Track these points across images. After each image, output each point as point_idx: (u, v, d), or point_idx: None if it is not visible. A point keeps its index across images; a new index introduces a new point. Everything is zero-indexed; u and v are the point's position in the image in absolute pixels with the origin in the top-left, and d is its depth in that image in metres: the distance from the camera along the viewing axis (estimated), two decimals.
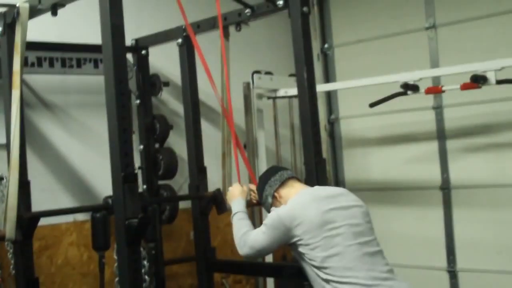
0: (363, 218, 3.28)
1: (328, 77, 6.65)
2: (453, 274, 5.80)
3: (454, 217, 5.82)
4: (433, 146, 5.93)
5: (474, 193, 5.69)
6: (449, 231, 5.83)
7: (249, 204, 3.91)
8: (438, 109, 5.89)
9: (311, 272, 3.19)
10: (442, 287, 5.83)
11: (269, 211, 3.55)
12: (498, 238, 5.52)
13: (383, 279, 3.09)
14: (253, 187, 3.88)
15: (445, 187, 5.86)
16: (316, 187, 3.56)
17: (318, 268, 3.13)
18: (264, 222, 3.34)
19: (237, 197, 3.70)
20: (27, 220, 3.94)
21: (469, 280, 5.70)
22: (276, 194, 3.48)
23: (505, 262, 5.47)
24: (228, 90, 4.32)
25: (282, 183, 3.50)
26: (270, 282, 5.52)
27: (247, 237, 3.37)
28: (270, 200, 3.50)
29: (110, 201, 3.91)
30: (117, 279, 3.81)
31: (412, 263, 5.87)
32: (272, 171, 3.62)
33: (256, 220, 6.08)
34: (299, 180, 3.58)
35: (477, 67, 4.68)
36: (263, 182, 3.57)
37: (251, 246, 3.34)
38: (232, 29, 4.68)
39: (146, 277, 4.87)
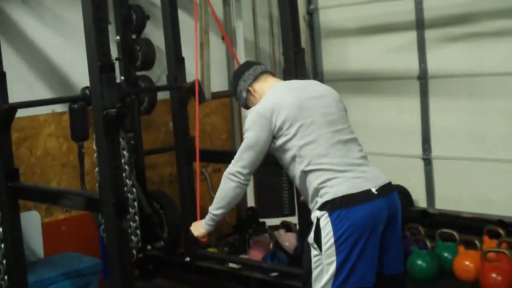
0: (336, 106, 3.31)
1: None
2: (427, 162, 5.93)
3: (430, 106, 5.88)
4: (412, 36, 5.91)
5: (451, 82, 5.72)
6: (425, 120, 5.91)
7: None
8: None
9: (288, 163, 3.24)
10: (417, 174, 5.97)
11: (243, 106, 3.57)
12: (472, 126, 5.61)
13: (357, 165, 3.15)
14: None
15: (422, 77, 5.88)
16: (288, 81, 3.58)
17: (295, 157, 3.17)
18: (244, 134, 3.30)
19: (199, 224, 3.58)
20: (4, 111, 3.94)
21: (443, 167, 5.84)
22: (250, 88, 3.47)
23: (478, 150, 5.58)
24: None
25: (256, 78, 3.49)
26: None
27: (230, 168, 3.29)
28: (244, 94, 3.50)
29: (87, 91, 3.89)
30: (97, 169, 3.85)
31: (388, 151, 5.98)
32: (245, 66, 3.61)
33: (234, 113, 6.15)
34: (272, 74, 3.58)
35: None
36: (237, 77, 3.56)
37: (240, 165, 3.25)
38: None
39: (126, 167, 4.92)
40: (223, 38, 5.67)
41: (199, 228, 3.49)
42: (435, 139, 5.89)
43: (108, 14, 4.33)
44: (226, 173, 3.29)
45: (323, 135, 3.17)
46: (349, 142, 3.22)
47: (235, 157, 3.28)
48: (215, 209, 3.37)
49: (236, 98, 3.69)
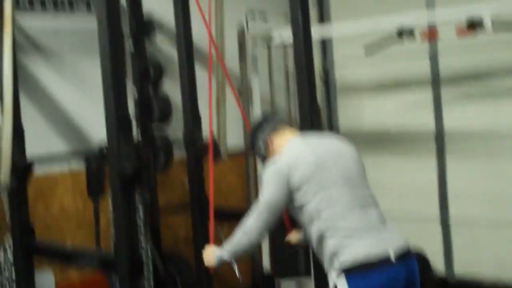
0: (354, 163, 3.26)
1: (323, 21, 6.55)
2: (445, 223, 5.83)
3: (447, 165, 5.81)
4: (428, 93, 5.89)
5: (468, 141, 5.67)
6: (442, 179, 5.83)
7: None
8: (433, 55, 5.83)
9: (305, 222, 3.18)
10: (435, 235, 5.87)
11: (261, 159, 3.53)
12: (491, 188, 5.52)
13: (375, 229, 3.08)
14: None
15: (439, 136, 5.84)
16: (307, 134, 3.54)
17: (312, 217, 3.11)
18: (261, 190, 3.26)
19: (212, 251, 3.54)
20: (22, 167, 3.92)
21: (461, 229, 5.73)
22: (268, 140, 3.45)
23: (498, 212, 5.49)
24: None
25: (274, 130, 3.46)
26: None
27: (246, 224, 3.24)
28: (262, 146, 3.47)
29: (104, 147, 3.87)
30: (112, 227, 3.80)
31: (405, 212, 5.89)
32: (264, 118, 3.59)
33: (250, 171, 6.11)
34: (291, 127, 3.55)
35: (474, 11, 4.61)
36: (255, 129, 3.53)
37: (256, 224, 3.20)
38: None
39: (141, 225, 4.86)
40: (239, 94, 5.67)
41: (211, 257, 3.38)
42: (452, 200, 5.79)
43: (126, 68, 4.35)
44: (242, 227, 3.23)
45: (341, 195, 3.11)
46: (367, 203, 3.17)
47: (252, 213, 3.21)
48: (229, 252, 3.29)
49: (253, 151, 3.65)
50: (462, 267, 5.70)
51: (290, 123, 3.69)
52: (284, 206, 3.19)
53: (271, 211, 3.16)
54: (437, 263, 5.80)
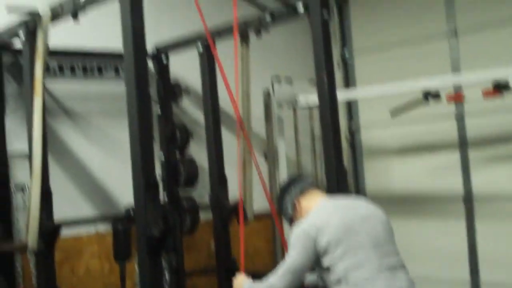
0: (383, 227, 3.22)
1: (349, 84, 6.59)
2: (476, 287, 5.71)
3: (477, 228, 5.71)
4: (455, 155, 5.84)
5: (497, 204, 5.58)
6: (472, 243, 5.73)
7: None
8: (460, 117, 5.81)
9: (333, 284, 3.13)
10: None
11: (289, 221, 3.50)
12: None
13: None
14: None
15: (468, 198, 5.76)
16: (335, 197, 3.51)
17: (340, 280, 3.07)
18: (288, 251, 3.24)
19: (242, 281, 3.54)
20: (49, 230, 3.92)
21: None
22: (296, 202, 3.42)
23: None
24: (235, 98, 4.23)
25: (302, 192, 3.44)
26: None
27: (270, 283, 3.25)
28: (290, 209, 3.44)
29: (131, 211, 3.87)
30: None
31: (435, 277, 5.78)
32: (292, 180, 3.57)
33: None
34: (318, 189, 3.52)
35: (500, 74, 4.61)
36: (283, 191, 3.52)
37: (280, 286, 3.23)
38: (252, 35, 4.65)
39: None
40: (265, 157, 5.68)
41: (240, 285, 3.34)
42: (483, 264, 5.68)
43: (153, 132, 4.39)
44: (266, 283, 3.17)
45: (369, 259, 3.06)
46: (396, 267, 3.12)
47: (277, 272, 3.17)
48: None
49: (281, 214, 3.62)
50: None
51: (317, 185, 3.66)
52: (308, 268, 3.15)
53: (295, 273, 3.12)
54: None
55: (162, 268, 4.06)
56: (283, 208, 3.50)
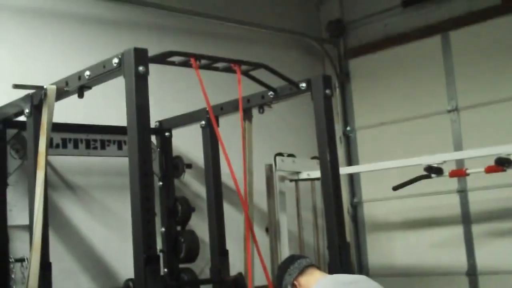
0: None
1: (351, 160, 6.63)
2: None
3: None
4: (458, 230, 5.84)
5: (502, 279, 5.54)
6: None
7: None
8: (462, 192, 5.82)
9: None
10: None
11: None
12: None
13: None
14: None
15: (472, 273, 5.72)
16: (335, 275, 3.49)
17: None
18: None
19: None
20: None
21: None
22: (295, 282, 3.42)
23: None
24: (245, 176, 4.26)
25: (301, 271, 3.44)
26: None
27: None
28: None
29: (131, 284, 3.83)
30: None
31: None
32: (290, 259, 3.57)
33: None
34: (318, 268, 3.52)
35: (501, 150, 4.64)
36: (282, 271, 3.51)
37: None
38: (255, 111, 4.71)
39: None
40: (267, 230, 5.66)
41: None
42: None
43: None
44: None
45: None
46: None
47: None
48: None
49: None
50: None
51: (317, 264, 3.65)
52: None
53: None
54: None
55: None
56: (282, 287, 3.50)
